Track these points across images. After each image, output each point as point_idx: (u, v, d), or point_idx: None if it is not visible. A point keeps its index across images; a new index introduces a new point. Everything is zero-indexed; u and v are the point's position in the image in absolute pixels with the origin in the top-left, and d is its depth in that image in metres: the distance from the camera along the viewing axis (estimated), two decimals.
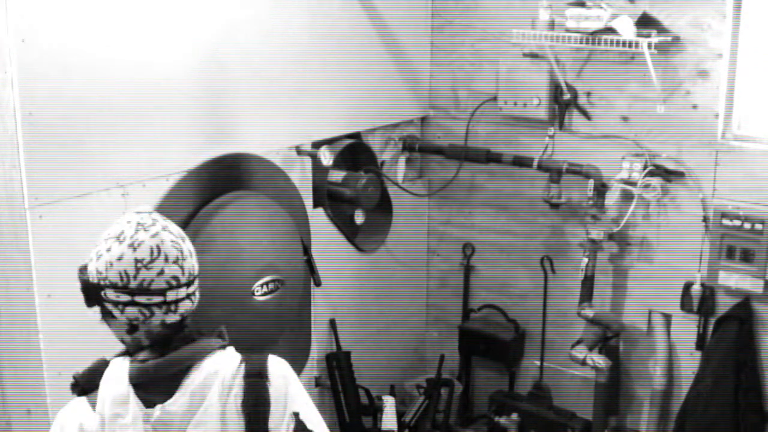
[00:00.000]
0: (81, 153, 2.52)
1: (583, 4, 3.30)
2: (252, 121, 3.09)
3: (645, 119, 3.44)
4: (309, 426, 1.71)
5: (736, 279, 3.27)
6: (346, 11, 3.45)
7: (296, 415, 1.70)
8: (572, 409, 3.83)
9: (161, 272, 1.65)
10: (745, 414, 3.26)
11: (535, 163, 3.66)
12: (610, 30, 3.24)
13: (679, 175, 3.39)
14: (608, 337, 3.59)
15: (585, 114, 3.60)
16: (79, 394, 1.72)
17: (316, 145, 3.37)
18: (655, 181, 3.39)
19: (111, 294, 1.66)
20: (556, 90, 3.63)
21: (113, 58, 2.57)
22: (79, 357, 2.57)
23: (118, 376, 1.66)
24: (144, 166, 2.71)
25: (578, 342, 3.61)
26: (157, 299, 1.65)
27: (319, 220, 3.49)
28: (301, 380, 3.58)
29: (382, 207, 3.79)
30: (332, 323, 3.63)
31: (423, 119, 4.07)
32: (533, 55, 3.65)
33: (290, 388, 1.72)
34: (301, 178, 3.37)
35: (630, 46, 3.21)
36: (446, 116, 4.01)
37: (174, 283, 1.67)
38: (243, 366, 1.70)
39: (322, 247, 3.45)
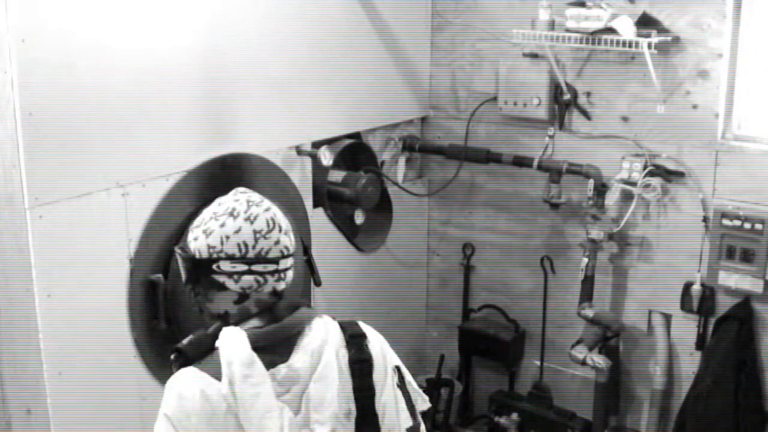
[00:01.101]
0: (81, 153, 2.51)
1: (583, 4, 3.30)
2: (252, 121, 3.09)
3: (645, 119, 3.44)
4: (407, 377, 1.93)
5: (736, 279, 3.28)
6: (346, 11, 3.45)
7: (398, 368, 1.91)
8: (572, 409, 3.84)
9: (277, 242, 1.84)
10: (745, 414, 3.26)
11: (535, 163, 3.66)
12: (610, 30, 3.24)
13: (679, 175, 3.39)
14: (608, 337, 3.59)
15: (585, 114, 3.60)
16: (183, 365, 1.80)
17: (316, 145, 3.37)
18: (655, 181, 3.40)
19: (226, 266, 1.80)
20: (556, 90, 3.63)
21: (113, 57, 2.57)
22: (79, 357, 2.59)
23: (239, 341, 1.75)
24: (144, 166, 2.71)
25: (578, 342, 3.61)
26: (272, 267, 1.82)
27: (319, 220, 3.49)
28: None
29: (382, 207, 3.79)
30: None
31: (423, 119, 4.07)
32: (533, 55, 3.65)
33: (385, 346, 1.92)
34: (301, 178, 3.36)
35: (630, 46, 3.21)
36: (446, 116, 4.01)
37: (285, 252, 1.85)
38: (342, 329, 1.88)
39: (322, 247, 3.44)
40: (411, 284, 4.19)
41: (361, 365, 1.84)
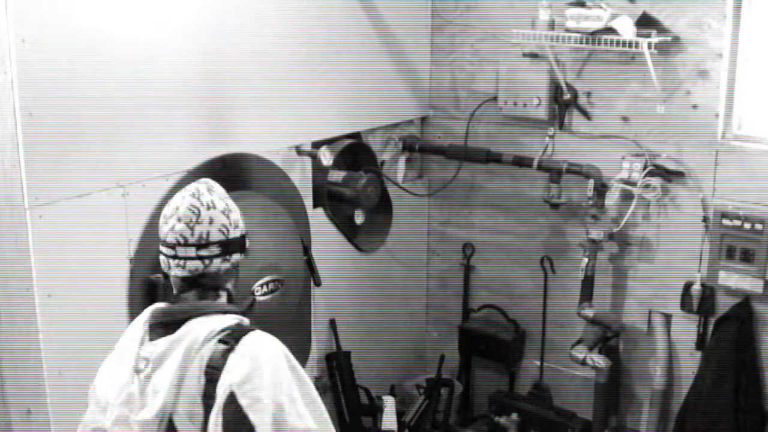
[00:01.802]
0: (81, 153, 2.52)
1: (583, 4, 3.30)
2: (252, 121, 3.09)
3: (645, 119, 3.44)
4: (249, 412, 1.74)
5: (736, 279, 3.27)
6: (346, 11, 3.45)
7: (231, 394, 1.74)
8: (572, 409, 3.83)
9: (172, 228, 1.91)
10: (745, 414, 3.26)
11: (535, 163, 3.66)
12: (610, 30, 3.24)
13: (679, 175, 3.39)
14: (608, 337, 3.59)
15: (585, 114, 3.60)
16: None
17: (316, 145, 3.37)
18: (655, 181, 3.40)
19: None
20: (556, 90, 3.63)
21: (113, 58, 2.57)
22: (79, 357, 2.58)
23: (141, 317, 1.93)
24: (144, 166, 2.71)
25: (578, 342, 3.61)
26: (170, 252, 1.92)
27: (319, 220, 3.49)
28: None
29: (382, 207, 3.79)
30: (332, 323, 3.63)
31: (423, 119, 4.07)
32: (533, 55, 3.65)
33: (256, 369, 1.76)
34: (301, 178, 3.37)
35: (630, 46, 3.21)
36: (446, 116, 4.01)
37: (182, 240, 1.90)
38: (224, 332, 1.83)
39: (322, 247, 3.45)
40: (411, 284, 4.19)
41: (209, 372, 1.78)
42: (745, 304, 3.30)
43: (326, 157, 3.37)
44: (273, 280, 3.00)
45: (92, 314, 2.61)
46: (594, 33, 3.28)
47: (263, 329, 1.90)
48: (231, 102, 3.00)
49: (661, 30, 3.26)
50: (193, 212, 1.91)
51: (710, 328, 3.41)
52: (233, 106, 3.02)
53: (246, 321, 1.92)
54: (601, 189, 3.50)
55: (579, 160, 3.57)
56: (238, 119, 3.04)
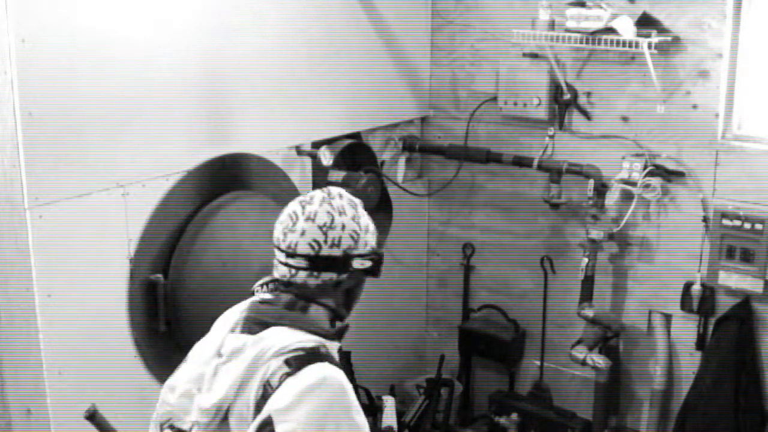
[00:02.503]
0: (81, 153, 2.51)
1: (583, 4, 3.30)
2: (252, 121, 3.09)
3: (645, 119, 3.44)
4: None
5: (736, 279, 3.27)
6: (346, 11, 3.45)
7: (269, 417, 1.68)
8: (572, 409, 3.84)
9: (276, 229, 1.87)
10: (745, 414, 3.26)
11: (535, 163, 3.66)
12: (610, 30, 3.24)
13: (679, 175, 3.39)
14: (608, 337, 3.59)
15: (585, 114, 3.60)
16: None
17: (316, 145, 3.37)
18: (655, 181, 3.40)
19: None
20: (556, 90, 3.63)
21: (113, 57, 2.57)
22: (79, 357, 2.58)
23: (243, 304, 1.93)
24: (144, 166, 2.71)
25: (578, 342, 3.61)
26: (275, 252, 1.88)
27: None
28: None
29: (382, 207, 3.78)
30: None
31: (423, 119, 4.07)
32: (533, 55, 3.65)
33: (300, 402, 1.69)
34: (301, 178, 3.36)
35: (630, 46, 3.21)
36: (446, 116, 4.01)
37: (276, 243, 1.86)
38: (296, 352, 1.75)
39: None
40: (411, 284, 4.19)
41: (268, 387, 1.73)
42: (745, 304, 3.30)
43: (326, 157, 3.37)
44: (273, 280, 2.99)
45: (92, 314, 2.61)
46: (594, 33, 3.28)
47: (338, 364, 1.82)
48: (231, 102, 3.00)
49: (661, 30, 3.26)
50: (291, 219, 1.85)
51: (710, 328, 3.41)
52: (233, 106, 3.02)
53: (330, 345, 1.83)
54: (601, 189, 3.50)
55: (579, 160, 3.57)
56: (238, 119, 3.04)
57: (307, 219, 1.83)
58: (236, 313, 1.90)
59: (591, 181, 3.51)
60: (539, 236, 3.85)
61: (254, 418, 1.71)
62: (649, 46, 3.17)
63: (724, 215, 3.26)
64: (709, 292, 3.39)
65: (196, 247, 2.83)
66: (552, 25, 3.42)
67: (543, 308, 3.85)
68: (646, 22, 3.26)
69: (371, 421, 3.74)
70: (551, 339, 3.87)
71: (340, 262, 1.84)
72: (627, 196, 3.46)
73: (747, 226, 3.21)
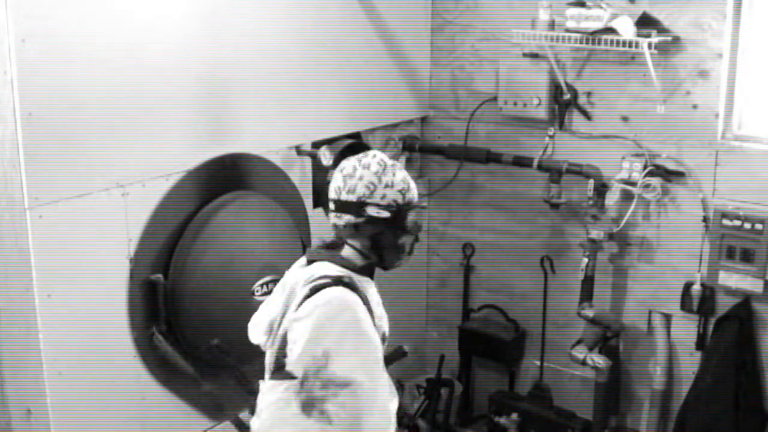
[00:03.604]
0: (81, 153, 2.52)
1: (583, 4, 3.30)
2: (252, 121, 3.09)
3: (645, 119, 3.44)
4: (291, 345, 2.03)
5: (736, 279, 3.27)
6: (346, 11, 3.45)
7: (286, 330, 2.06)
8: (572, 409, 3.83)
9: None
10: (745, 414, 3.26)
11: (535, 163, 3.66)
12: (610, 30, 3.24)
13: (679, 175, 3.39)
14: (608, 337, 3.59)
15: (585, 114, 3.60)
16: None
17: (316, 145, 3.37)
18: (655, 181, 3.40)
19: None
20: (556, 90, 3.63)
21: (113, 58, 2.57)
22: (79, 357, 2.59)
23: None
24: (144, 166, 2.71)
25: (578, 342, 3.61)
26: None
27: (319, 220, 3.48)
28: None
29: None
30: None
31: (423, 119, 4.07)
32: (533, 55, 3.65)
33: (311, 313, 2.03)
34: (301, 178, 3.37)
35: (630, 46, 3.21)
36: (446, 116, 4.01)
37: (331, 193, 2.20)
38: (318, 280, 2.08)
39: None
40: (411, 284, 4.19)
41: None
42: (745, 304, 3.30)
43: (326, 157, 3.37)
44: (273, 280, 3.00)
45: (92, 314, 2.61)
46: (594, 33, 3.28)
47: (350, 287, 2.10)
48: (231, 102, 3.01)
49: (661, 30, 3.26)
50: (350, 175, 2.18)
51: (710, 328, 3.41)
52: (233, 106, 3.02)
53: (358, 279, 2.14)
54: (601, 189, 3.50)
55: (579, 160, 3.57)
56: (238, 119, 3.04)
57: (339, 170, 2.20)
58: (302, 257, 2.27)
59: (591, 181, 3.51)
60: (539, 236, 3.85)
61: None
62: (649, 46, 3.17)
63: (724, 215, 3.26)
64: (709, 292, 3.39)
65: (196, 247, 2.83)
66: (552, 25, 3.42)
67: (543, 308, 3.85)
68: (646, 22, 3.26)
69: None
70: (551, 339, 3.87)
71: (354, 207, 2.15)
72: (627, 196, 3.46)
73: (747, 226, 3.21)
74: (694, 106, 3.32)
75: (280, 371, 2.03)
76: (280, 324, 2.12)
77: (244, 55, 3.02)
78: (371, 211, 2.15)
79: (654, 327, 3.58)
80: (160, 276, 2.78)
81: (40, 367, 2.50)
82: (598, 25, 3.26)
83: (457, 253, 4.14)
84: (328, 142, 3.45)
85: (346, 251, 2.21)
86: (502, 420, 3.87)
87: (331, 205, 2.19)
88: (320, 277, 2.08)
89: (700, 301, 3.40)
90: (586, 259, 3.54)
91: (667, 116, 3.37)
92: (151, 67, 2.69)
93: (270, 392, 2.05)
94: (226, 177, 2.99)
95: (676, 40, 3.27)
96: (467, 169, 3.90)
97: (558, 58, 3.57)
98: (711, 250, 3.32)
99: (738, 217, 3.22)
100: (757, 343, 3.31)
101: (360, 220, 2.16)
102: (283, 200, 3.21)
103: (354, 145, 3.60)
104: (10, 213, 2.42)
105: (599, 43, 3.29)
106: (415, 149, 3.99)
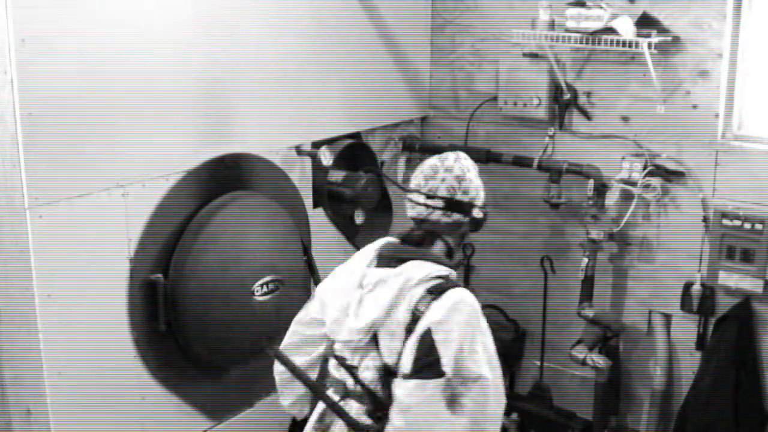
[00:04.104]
0: (81, 153, 2.52)
1: (583, 4, 3.30)
2: (252, 121, 3.09)
3: (645, 119, 3.44)
4: (439, 346, 2.12)
5: (736, 279, 3.27)
6: (346, 11, 3.45)
7: (429, 329, 2.13)
8: (572, 409, 3.83)
9: (415, 177, 2.40)
10: (745, 414, 3.26)
11: (535, 163, 3.66)
12: (610, 30, 3.24)
13: (679, 175, 3.39)
14: (608, 337, 3.59)
15: (585, 114, 3.60)
16: None
17: (316, 145, 3.37)
18: (655, 181, 3.40)
19: None
20: (556, 90, 3.63)
21: (113, 58, 2.57)
22: (79, 357, 2.59)
23: (375, 244, 2.38)
24: (144, 166, 2.71)
25: (578, 342, 3.61)
26: (409, 195, 2.39)
27: (319, 220, 3.49)
28: None
29: (382, 207, 3.79)
30: None
31: (423, 119, 4.07)
32: (533, 55, 3.65)
33: (451, 315, 2.15)
34: (301, 178, 3.36)
35: (630, 46, 3.21)
36: (446, 116, 4.01)
37: (415, 186, 2.37)
38: (435, 280, 2.21)
39: (322, 247, 3.45)
40: None
41: (417, 312, 2.17)
42: (745, 304, 3.30)
43: (326, 157, 3.37)
44: (273, 280, 3.01)
45: (92, 314, 2.61)
46: (594, 33, 3.28)
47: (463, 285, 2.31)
48: (231, 102, 3.00)
49: (661, 30, 3.26)
50: (432, 170, 2.36)
51: (710, 328, 3.41)
52: (233, 106, 3.02)
53: (454, 274, 2.30)
54: (601, 189, 3.50)
55: (579, 160, 3.57)
56: (238, 119, 3.04)
57: (446, 170, 2.35)
58: (369, 252, 2.34)
59: (591, 181, 3.51)
60: (539, 236, 3.85)
61: (406, 335, 2.15)
62: (649, 46, 3.17)
63: (724, 215, 3.26)
64: (709, 292, 3.39)
65: (196, 247, 2.83)
66: (552, 25, 3.42)
67: (543, 308, 3.84)
68: (646, 22, 3.26)
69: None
70: (551, 339, 3.86)
71: (466, 207, 2.34)
72: (627, 196, 3.46)
73: (747, 226, 3.21)
74: (694, 106, 3.32)
75: (423, 371, 2.12)
76: (382, 326, 2.19)
77: (244, 55, 3.02)
78: (476, 212, 2.38)
79: (654, 327, 3.58)
80: (160, 276, 2.78)
81: (40, 367, 2.50)
82: (598, 25, 3.26)
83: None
84: (328, 142, 3.46)
85: (437, 247, 2.36)
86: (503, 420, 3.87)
87: (439, 203, 2.32)
88: (434, 278, 2.22)
89: (700, 301, 3.40)
90: (586, 259, 3.54)
91: (667, 116, 3.37)
92: (151, 67, 2.69)
93: (416, 392, 2.12)
94: (226, 177, 2.99)
95: (676, 40, 3.27)
96: None
97: (558, 58, 3.57)
98: (711, 250, 3.32)
99: (738, 217, 3.22)
100: (757, 343, 3.31)
101: (466, 219, 2.36)
102: (283, 200, 3.21)
103: (354, 145, 3.61)
104: (10, 213, 2.42)
105: (599, 43, 3.29)
106: (415, 149, 3.98)
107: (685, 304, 3.45)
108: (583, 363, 3.57)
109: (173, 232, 2.83)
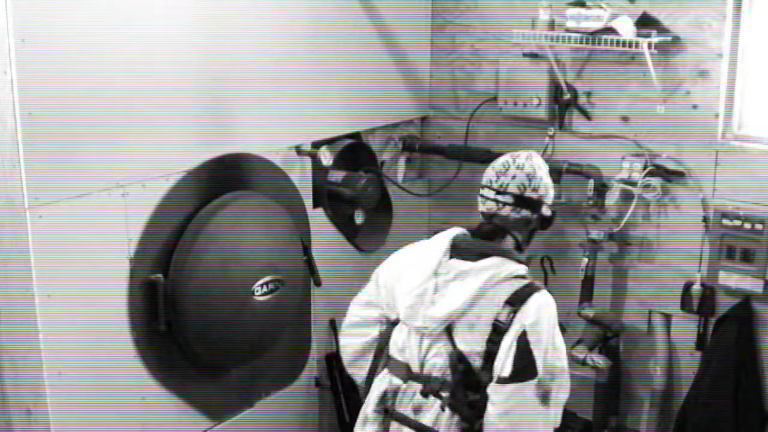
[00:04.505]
0: (81, 153, 2.52)
1: (583, 4, 3.30)
2: (252, 121, 3.09)
3: (645, 119, 3.44)
4: (533, 347, 2.26)
5: (736, 279, 3.28)
6: (346, 11, 3.45)
7: (524, 332, 2.27)
8: (572, 409, 3.82)
9: (486, 173, 2.49)
10: (745, 414, 3.26)
11: None
12: (610, 30, 3.25)
13: (679, 175, 3.39)
14: (608, 337, 3.59)
15: (585, 114, 3.60)
16: None
17: (316, 145, 3.37)
18: (655, 181, 3.40)
19: None
20: (556, 90, 3.63)
21: (113, 57, 2.57)
22: (79, 357, 2.59)
23: (448, 234, 2.46)
24: (144, 166, 2.71)
25: (578, 342, 3.60)
26: (481, 191, 2.48)
27: (319, 220, 3.49)
28: (301, 380, 3.59)
29: (382, 207, 3.79)
30: (332, 323, 3.63)
31: (423, 119, 4.07)
32: (533, 55, 3.65)
33: (540, 318, 2.31)
34: (301, 178, 3.36)
35: (630, 46, 3.21)
36: (446, 116, 4.01)
37: (486, 182, 2.46)
38: (517, 280, 2.36)
39: (322, 247, 3.45)
40: None
41: (511, 307, 2.30)
42: (745, 304, 3.30)
43: (326, 157, 3.37)
44: (273, 280, 3.01)
45: (92, 314, 2.61)
46: (594, 33, 3.28)
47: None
48: (231, 102, 3.00)
49: (661, 30, 3.26)
50: (504, 166, 2.45)
51: (710, 328, 3.41)
52: (233, 106, 3.02)
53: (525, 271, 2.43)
54: (601, 189, 3.50)
55: (579, 160, 3.58)
56: (238, 119, 3.04)
57: (518, 168, 2.44)
58: (443, 241, 2.42)
59: (591, 181, 3.51)
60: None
61: (489, 329, 2.28)
62: (649, 46, 3.18)
63: (724, 215, 3.26)
64: (709, 292, 3.39)
65: (196, 247, 2.83)
66: (552, 25, 3.42)
67: None
68: (646, 22, 3.26)
69: None
70: None
71: (535, 205, 2.45)
72: (627, 196, 3.46)
73: (747, 226, 3.21)
74: (694, 106, 3.32)
75: (519, 375, 2.25)
76: (461, 317, 2.31)
77: (244, 55, 3.02)
78: (544, 210, 2.50)
79: (654, 327, 3.58)
80: (160, 276, 2.78)
81: (40, 367, 2.50)
82: (598, 25, 3.26)
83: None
84: (328, 142, 3.46)
85: (508, 243, 2.47)
86: None
87: (508, 198, 2.43)
88: (516, 277, 2.37)
89: (700, 301, 3.40)
90: (586, 259, 3.54)
91: (667, 116, 3.37)
92: (151, 67, 2.69)
93: (515, 395, 2.25)
94: (226, 177, 2.99)
95: (676, 40, 3.27)
96: (467, 169, 3.90)
97: (558, 58, 3.57)
98: (711, 250, 3.32)
99: (738, 217, 3.22)
100: (757, 343, 3.31)
101: (534, 216, 2.48)
102: (283, 200, 3.21)
103: (354, 145, 3.61)
104: (10, 213, 2.42)
105: (599, 43, 3.29)
106: (415, 149, 3.99)
107: (685, 304, 3.45)
108: (583, 363, 3.56)
109: (173, 232, 2.83)
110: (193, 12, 2.81)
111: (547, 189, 2.49)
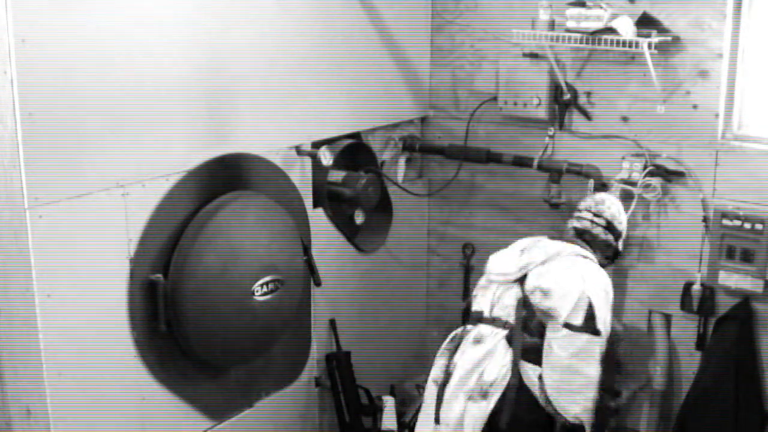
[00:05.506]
0: (81, 153, 2.52)
1: (583, 4, 3.30)
2: (252, 121, 3.09)
3: (645, 119, 3.44)
4: (595, 307, 2.83)
5: (736, 279, 3.28)
6: (346, 11, 3.45)
7: (583, 293, 2.84)
8: None
9: (584, 200, 3.27)
10: (745, 414, 3.26)
11: (535, 163, 3.66)
12: (610, 30, 3.25)
13: (679, 175, 3.39)
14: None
15: (585, 114, 3.60)
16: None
17: (316, 145, 3.37)
18: (655, 181, 3.40)
19: None
20: (556, 90, 3.63)
21: (113, 57, 2.57)
22: (79, 357, 2.59)
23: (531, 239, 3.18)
24: (144, 166, 2.71)
25: None
26: (578, 213, 3.21)
27: (319, 220, 3.49)
28: (301, 380, 3.59)
29: (382, 207, 3.79)
30: (332, 323, 3.63)
31: (423, 119, 4.07)
32: (533, 55, 3.65)
33: (595, 291, 2.88)
34: (301, 178, 3.37)
35: (630, 46, 3.21)
36: (446, 116, 4.01)
37: (585, 207, 3.20)
38: (585, 256, 3.03)
39: (322, 247, 3.45)
40: (411, 284, 4.19)
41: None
42: (745, 304, 3.30)
43: (326, 157, 3.37)
44: (273, 280, 3.01)
45: (92, 314, 2.61)
46: (594, 33, 3.28)
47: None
48: (231, 102, 3.00)
49: (661, 30, 3.26)
50: (602, 199, 3.20)
51: (710, 328, 3.41)
52: (233, 106, 3.02)
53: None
54: (601, 189, 3.50)
55: (579, 160, 3.58)
56: (238, 119, 3.04)
57: (611, 204, 3.18)
58: (530, 242, 3.12)
59: (591, 181, 3.51)
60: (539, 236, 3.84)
61: (558, 284, 2.87)
62: (649, 46, 3.18)
63: (724, 215, 3.26)
64: (709, 292, 3.39)
65: (196, 247, 2.83)
66: (552, 25, 3.42)
67: None
68: (646, 22, 3.26)
69: (371, 421, 3.76)
70: None
71: (617, 235, 3.16)
72: (627, 196, 3.46)
73: (747, 226, 3.21)
74: (694, 106, 3.32)
75: (581, 326, 2.79)
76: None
77: (244, 55, 3.02)
78: (620, 243, 3.20)
79: (654, 327, 3.58)
80: (160, 276, 2.78)
81: (40, 367, 2.50)
82: (598, 25, 3.26)
83: (457, 253, 4.14)
84: (328, 142, 3.46)
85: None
86: None
87: (602, 222, 3.12)
88: (585, 256, 3.00)
89: (700, 301, 3.41)
90: None
91: (667, 116, 3.37)
92: (151, 67, 2.69)
93: (569, 339, 2.79)
94: (226, 177, 2.99)
95: (676, 40, 3.27)
96: (467, 169, 3.90)
97: (558, 58, 3.57)
98: (711, 250, 3.32)
99: (738, 217, 3.22)
100: (757, 343, 3.31)
101: (613, 244, 3.15)
102: (283, 200, 3.21)
103: (354, 145, 3.61)
104: (10, 213, 2.42)
105: (599, 43, 3.29)
106: (415, 149, 3.99)
107: (685, 304, 3.45)
108: None
109: (173, 232, 2.83)
110: (193, 12, 2.81)
111: (625, 228, 3.20)
